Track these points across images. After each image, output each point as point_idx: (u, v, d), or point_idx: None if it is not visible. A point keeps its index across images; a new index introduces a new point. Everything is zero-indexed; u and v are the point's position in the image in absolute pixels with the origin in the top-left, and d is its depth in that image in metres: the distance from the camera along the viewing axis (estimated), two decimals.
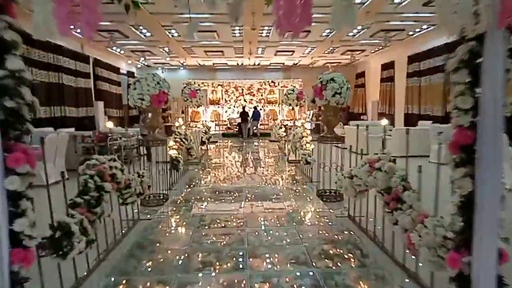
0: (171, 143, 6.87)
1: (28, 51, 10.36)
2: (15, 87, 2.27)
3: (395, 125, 15.76)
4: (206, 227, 4.53)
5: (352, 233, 4.29)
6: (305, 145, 7.35)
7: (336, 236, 4.18)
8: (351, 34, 13.15)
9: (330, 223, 4.71)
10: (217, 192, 6.40)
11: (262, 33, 12.66)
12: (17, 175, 2.26)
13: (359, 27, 12.28)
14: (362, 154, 4.56)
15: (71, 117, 12.86)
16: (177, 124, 7.58)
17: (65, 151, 7.93)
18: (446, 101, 12.32)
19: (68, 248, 2.73)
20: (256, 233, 4.26)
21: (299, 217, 4.99)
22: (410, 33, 13.15)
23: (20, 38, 2.31)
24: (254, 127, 18.25)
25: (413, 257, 2.99)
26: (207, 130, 11.65)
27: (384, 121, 5.01)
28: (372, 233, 4.05)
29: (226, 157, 11.41)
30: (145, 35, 12.92)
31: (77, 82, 13.44)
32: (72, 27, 2.07)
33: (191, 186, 6.93)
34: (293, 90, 9.72)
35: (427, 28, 12.48)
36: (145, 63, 19.08)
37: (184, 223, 4.82)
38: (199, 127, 11.58)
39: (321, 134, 5.97)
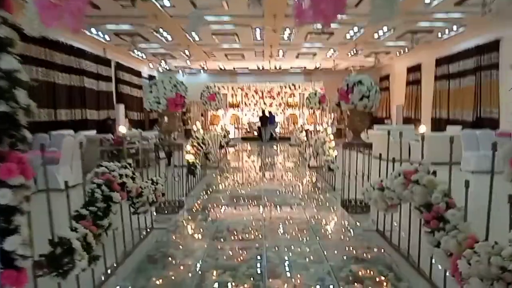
0: (188, 147, 6.61)
1: (51, 54, 10.41)
2: (9, 89, 2.02)
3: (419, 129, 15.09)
4: (222, 240, 4.22)
5: (383, 250, 3.87)
6: (328, 150, 6.94)
7: (365, 254, 3.77)
8: (376, 36, 12.64)
9: (357, 238, 4.30)
10: (234, 200, 6.08)
11: (284, 35, 12.33)
12: (9, 188, 2.00)
13: (385, 28, 11.77)
14: (394, 162, 4.15)
15: (92, 120, 12.89)
16: (194, 128, 7.34)
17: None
18: (477, 105, 11.62)
19: (69, 266, 2.47)
20: (276, 248, 3.91)
21: (322, 230, 4.60)
22: (439, 35, 12.52)
23: (16, 35, 2.06)
24: (272, 131, 17.93)
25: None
26: (226, 133, 11.38)
27: (423, 128, 4.45)
28: (406, 251, 3.63)
29: (245, 161, 11.11)
30: (166, 39, 12.82)
31: (99, 85, 13.48)
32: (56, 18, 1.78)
33: (208, 192, 6.65)
34: (315, 94, 9.32)
35: (457, 30, 11.82)
36: (166, 67, 19.08)
37: (199, 234, 4.53)
38: (218, 131, 11.33)
39: (347, 140, 5.56)
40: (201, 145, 6.99)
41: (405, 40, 13.03)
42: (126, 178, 3.47)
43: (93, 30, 11.57)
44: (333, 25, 11.40)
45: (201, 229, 4.68)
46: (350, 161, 5.47)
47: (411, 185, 3.24)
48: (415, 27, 11.51)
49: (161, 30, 11.69)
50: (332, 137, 7.24)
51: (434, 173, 3.15)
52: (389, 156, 4.43)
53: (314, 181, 7.68)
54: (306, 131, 12.88)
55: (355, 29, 11.68)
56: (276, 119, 18.63)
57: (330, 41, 13.25)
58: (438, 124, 13.95)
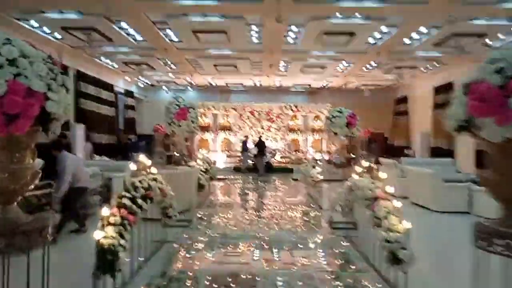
0: (104, 211, 3.08)
1: None
2: None
3: (456, 165, 11.72)
4: None
5: None
6: (388, 219, 3.46)
7: None
8: (408, 41, 9.44)
9: None
10: None
11: (288, 35, 9.08)
12: None
13: (423, 29, 8.56)
14: None
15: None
16: (132, 167, 3.78)
17: None
18: None
19: None
20: None
21: None
22: (489, 41, 9.36)
23: None
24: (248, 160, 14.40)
25: None
26: (208, 167, 7.91)
27: None
28: None
29: (232, 211, 7.37)
30: (134, 39, 9.54)
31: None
32: None
33: None
34: (340, 111, 5.91)
35: None
36: (147, 81, 15.78)
37: None
38: (198, 164, 7.86)
39: (487, 225, 2.08)
40: (140, 202, 3.47)
41: (445, 47, 9.81)
42: None
43: (33, 22, 8.29)
44: (357, 20, 8.22)
45: None
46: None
47: None
48: (465, 28, 8.32)
49: (123, 24, 8.41)
50: (391, 189, 3.75)
51: None
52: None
53: (351, 271, 4.09)
54: (316, 162, 9.45)
55: (384, 28, 8.46)
56: (251, 146, 14.84)
57: (347, 48, 10.03)
58: (483, 158, 10.56)
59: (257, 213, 7.07)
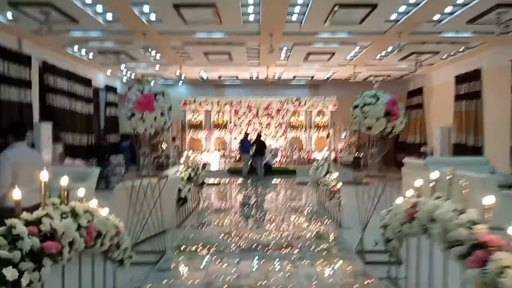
0: None
1: None
2: None
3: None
4: None
5: None
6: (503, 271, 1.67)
7: None
8: (437, 17, 7.67)
9: None
10: None
11: (292, 14, 7.29)
12: None
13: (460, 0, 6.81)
14: None
15: None
16: (16, 195, 1.93)
17: None
18: None
19: None
20: None
21: None
22: None
23: None
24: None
25: None
26: (193, 172, 6.12)
27: None
28: None
29: (223, 233, 5.57)
30: (104, 19, 7.73)
31: (4, 93, 8.24)
32: None
33: None
34: (375, 97, 4.11)
35: None
36: (128, 73, 13.92)
37: None
38: (179, 170, 6.09)
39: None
40: (17, 270, 1.67)
41: (481, 24, 8.00)
42: None
43: None
44: None
45: None
46: None
47: None
48: None
49: None
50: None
51: None
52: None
53: None
54: (329, 164, 7.60)
55: None
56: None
57: (362, 27, 8.23)
58: None
59: (256, 237, 5.25)
